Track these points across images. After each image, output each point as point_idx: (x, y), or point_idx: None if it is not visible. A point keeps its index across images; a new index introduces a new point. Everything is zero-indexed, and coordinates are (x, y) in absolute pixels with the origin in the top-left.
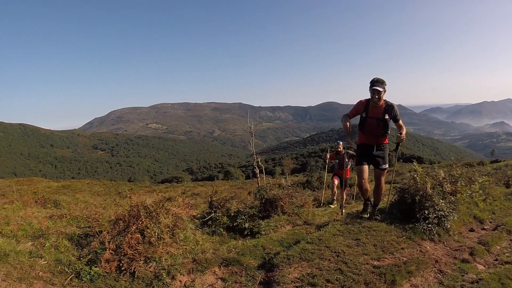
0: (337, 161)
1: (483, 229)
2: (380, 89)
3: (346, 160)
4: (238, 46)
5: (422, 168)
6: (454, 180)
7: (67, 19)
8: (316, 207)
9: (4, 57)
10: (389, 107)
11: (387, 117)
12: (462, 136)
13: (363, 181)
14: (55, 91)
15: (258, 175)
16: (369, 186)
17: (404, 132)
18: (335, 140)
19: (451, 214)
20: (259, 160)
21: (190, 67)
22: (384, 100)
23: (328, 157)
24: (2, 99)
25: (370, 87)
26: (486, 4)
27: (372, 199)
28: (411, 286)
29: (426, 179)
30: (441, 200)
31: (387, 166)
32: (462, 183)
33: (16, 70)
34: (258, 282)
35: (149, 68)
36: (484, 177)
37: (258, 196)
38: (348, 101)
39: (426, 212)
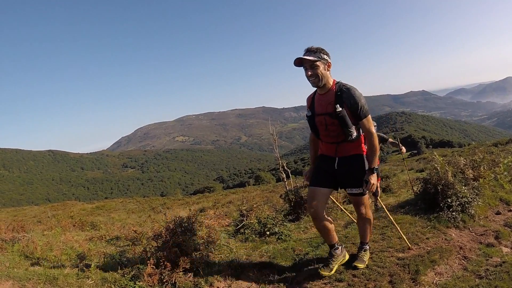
0: None
1: (510, 211)
2: (311, 58)
3: None
4: (258, 50)
5: (443, 156)
6: (476, 165)
7: (86, 43)
8: (347, 204)
9: (30, 87)
10: (343, 92)
11: (340, 109)
12: (489, 115)
13: (313, 210)
14: (81, 115)
15: (285, 180)
16: (329, 222)
17: (376, 151)
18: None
19: (474, 200)
20: (284, 165)
21: (212, 77)
22: (336, 82)
23: None
24: (29, 128)
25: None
26: None
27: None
28: (435, 274)
29: (447, 168)
30: (463, 187)
31: (361, 190)
32: (485, 167)
33: (41, 98)
34: (289, 282)
35: (171, 82)
36: (510, 157)
37: (286, 200)
38: (371, 92)
39: (449, 200)
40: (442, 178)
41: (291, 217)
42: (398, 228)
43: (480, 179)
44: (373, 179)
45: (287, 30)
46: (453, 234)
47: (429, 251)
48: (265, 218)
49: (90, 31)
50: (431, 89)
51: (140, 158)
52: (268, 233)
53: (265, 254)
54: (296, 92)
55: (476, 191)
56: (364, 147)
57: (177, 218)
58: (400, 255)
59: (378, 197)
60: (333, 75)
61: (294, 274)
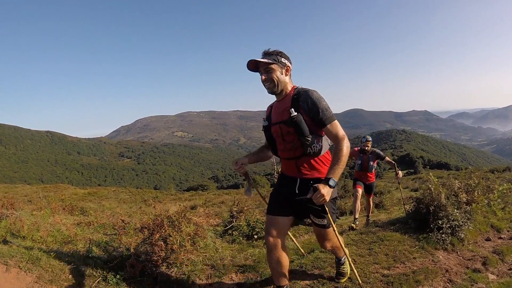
0: (359, 161)
1: (500, 238)
2: (265, 61)
3: (371, 162)
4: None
5: (439, 178)
6: (470, 189)
7: (94, 30)
8: (339, 216)
9: (32, 64)
10: (300, 96)
11: (295, 113)
12: (489, 141)
13: (269, 241)
14: (82, 99)
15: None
16: (286, 259)
17: (340, 159)
18: (363, 137)
19: (465, 224)
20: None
21: (216, 76)
22: (295, 87)
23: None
24: (30, 107)
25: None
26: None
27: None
28: None
29: (441, 189)
30: (455, 210)
31: (325, 222)
32: (479, 192)
33: (44, 79)
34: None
35: (175, 77)
36: (504, 184)
37: None
38: (373, 107)
39: (440, 222)
40: (435, 199)
41: None
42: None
43: (473, 203)
44: (324, 189)
45: (293, 37)
46: (441, 256)
47: (415, 271)
48: (254, 221)
49: (102, 16)
50: (433, 109)
51: (137, 149)
52: (255, 236)
53: (250, 257)
54: None
55: (468, 215)
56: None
57: (166, 212)
58: (386, 272)
59: (370, 213)
60: (343, 96)
61: None
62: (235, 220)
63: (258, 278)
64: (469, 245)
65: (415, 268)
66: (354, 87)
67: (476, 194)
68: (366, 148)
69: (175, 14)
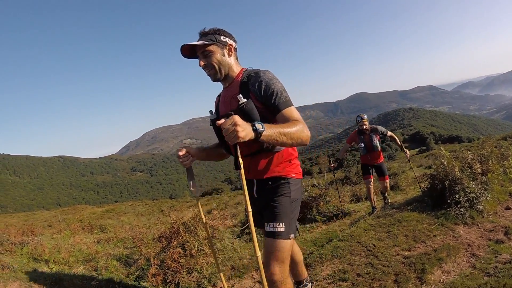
0: (362, 144)
1: None
2: (200, 43)
3: (375, 140)
4: (266, 52)
5: (452, 152)
6: (484, 159)
7: (94, 46)
8: (355, 202)
9: (38, 92)
10: (250, 78)
11: (244, 100)
12: (498, 108)
13: None
14: (89, 121)
15: None
16: (298, 255)
17: (289, 129)
18: (357, 116)
19: (483, 195)
20: None
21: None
22: (245, 70)
23: (348, 142)
24: (40, 135)
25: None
26: None
27: None
28: (442, 272)
29: (454, 163)
30: (471, 182)
31: (280, 228)
32: (494, 161)
33: (51, 105)
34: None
35: (177, 86)
36: None
37: None
38: (377, 89)
39: (457, 196)
40: (449, 174)
41: (297, 217)
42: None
43: (488, 173)
44: (240, 122)
45: (291, 31)
46: (461, 231)
47: (436, 249)
48: None
49: (99, 34)
50: (438, 83)
51: (149, 162)
52: None
53: None
54: (302, 91)
55: (485, 186)
56: (295, 168)
57: (181, 219)
58: (406, 253)
59: (386, 193)
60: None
61: None
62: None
63: None
64: (489, 217)
65: (436, 246)
66: (355, 71)
67: (490, 163)
68: (364, 126)
69: (173, 17)
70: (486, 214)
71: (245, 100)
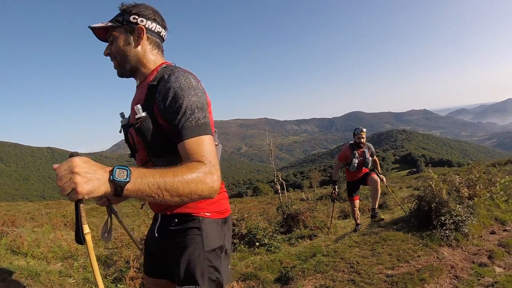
0: (355, 160)
1: (505, 230)
2: (101, 25)
3: (368, 156)
4: (262, 60)
5: (439, 175)
6: (472, 183)
7: (90, 43)
8: (343, 219)
9: (31, 80)
10: (161, 81)
11: (142, 114)
12: (489, 135)
13: None
14: (82, 115)
15: (280, 191)
16: None
17: (185, 184)
18: (356, 128)
19: (468, 219)
20: (279, 176)
21: (215, 85)
22: (164, 66)
23: (340, 157)
24: (29, 123)
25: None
26: None
27: None
28: None
29: (441, 186)
30: (457, 205)
31: None
32: (481, 186)
33: (44, 95)
34: None
35: None
36: (506, 177)
37: (280, 212)
38: (373, 109)
39: (443, 218)
40: (436, 196)
41: (283, 229)
42: None
43: (475, 198)
44: (80, 166)
45: (290, 43)
46: (445, 253)
47: (419, 269)
48: (255, 228)
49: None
50: (432, 108)
51: None
52: (257, 244)
53: (251, 264)
54: (298, 105)
55: (471, 209)
56: (212, 204)
57: None
58: (389, 272)
59: (376, 204)
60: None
61: (280, 286)
62: (236, 228)
63: (260, 286)
64: (474, 240)
65: (419, 266)
66: (351, 89)
67: (478, 188)
68: (362, 140)
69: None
70: (471, 237)
71: (142, 114)
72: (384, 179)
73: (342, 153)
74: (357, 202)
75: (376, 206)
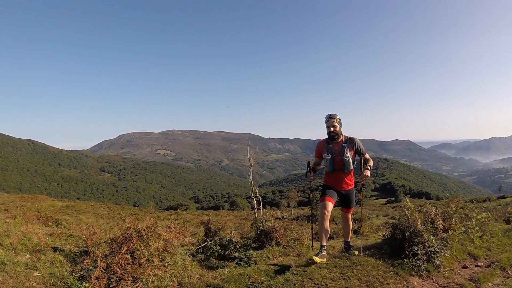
0: (328, 155)
1: (477, 266)
2: None
3: (347, 153)
4: (251, 77)
5: (415, 205)
6: (448, 216)
7: (79, 40)
8: (317, 240)
9: (17, 73)
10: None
11: None
12: (470, 172)
13: None
14: (67, 110)
15: (256, 207)
16: None
17: None
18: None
19: (441, 251)
20: (256, 192)
21: (202, 97)
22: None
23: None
24: (13, 114)
25: None
26: (505, 36)
27: None
28: None
29: (417, 216)
30: (431, 237)
31: None
32: (457, 220)
33: (29, 85)
34: None
35: (161, 94)
36: (483, 213)
37: (253, 227)
38: (357, 135)
39: (416, 248)
40: (411, 225)
41: (256, 245)
42: None
43: (450, 231)
44: None
45: (280, 62)
46: (415, 283)
47: None
48: (227, 241)
49: (89, 27)
50: (416, 139)
51: (119, 165)
52: (227, 256)
53: (219, 276)
54: (283, 124)
55: (445, 242)
56: None
57: (135, 226)
58: None
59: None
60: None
61: None
62: (209, 240)
63: None
64: (445, 272)
65: None
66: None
67: (453, 221)
68: (332, 129)
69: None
70: (442, 269)
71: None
72: (367, 173)
73: (317, 147)
74: (330, 206)
75: (349, 239)
